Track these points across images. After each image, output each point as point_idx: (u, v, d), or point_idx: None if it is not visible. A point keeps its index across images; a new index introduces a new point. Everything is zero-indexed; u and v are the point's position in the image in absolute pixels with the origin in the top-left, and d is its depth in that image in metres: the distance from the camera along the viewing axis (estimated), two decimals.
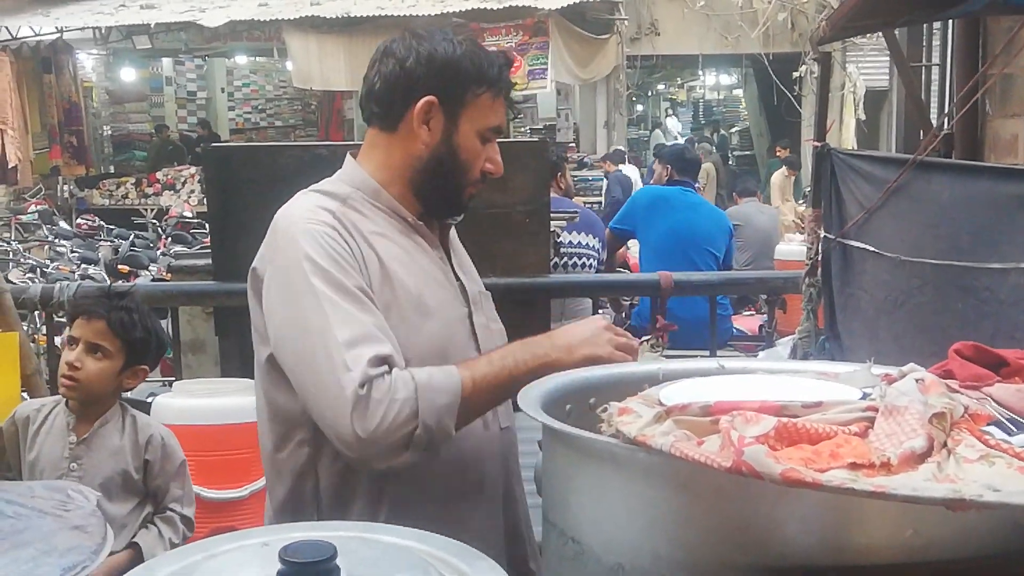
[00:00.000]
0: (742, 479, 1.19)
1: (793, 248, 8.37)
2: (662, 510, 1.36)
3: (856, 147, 12.61)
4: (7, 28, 14.25)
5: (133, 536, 2.85)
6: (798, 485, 1.15)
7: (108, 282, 7.65)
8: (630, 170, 14.09)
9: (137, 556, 2.76)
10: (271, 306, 1.96)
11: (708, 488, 1.30)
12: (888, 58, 14.53)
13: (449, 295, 2.08)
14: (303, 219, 1.96)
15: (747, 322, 7.13)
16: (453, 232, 2.23)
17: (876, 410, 1.32)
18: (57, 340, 4.44)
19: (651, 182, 8.40)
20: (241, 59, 19.69)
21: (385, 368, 1.82)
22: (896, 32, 4.05)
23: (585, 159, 15.38)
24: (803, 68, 14.33)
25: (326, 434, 1.88)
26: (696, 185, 7.10)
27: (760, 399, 1.37)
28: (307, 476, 2.02)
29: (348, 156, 2.14)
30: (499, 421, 2.13)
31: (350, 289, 1.88)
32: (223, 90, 20.59)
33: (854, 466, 1.18)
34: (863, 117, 13.96)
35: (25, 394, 3.62)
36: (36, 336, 6.06)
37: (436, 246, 2.12)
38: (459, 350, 2.03)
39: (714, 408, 1.33)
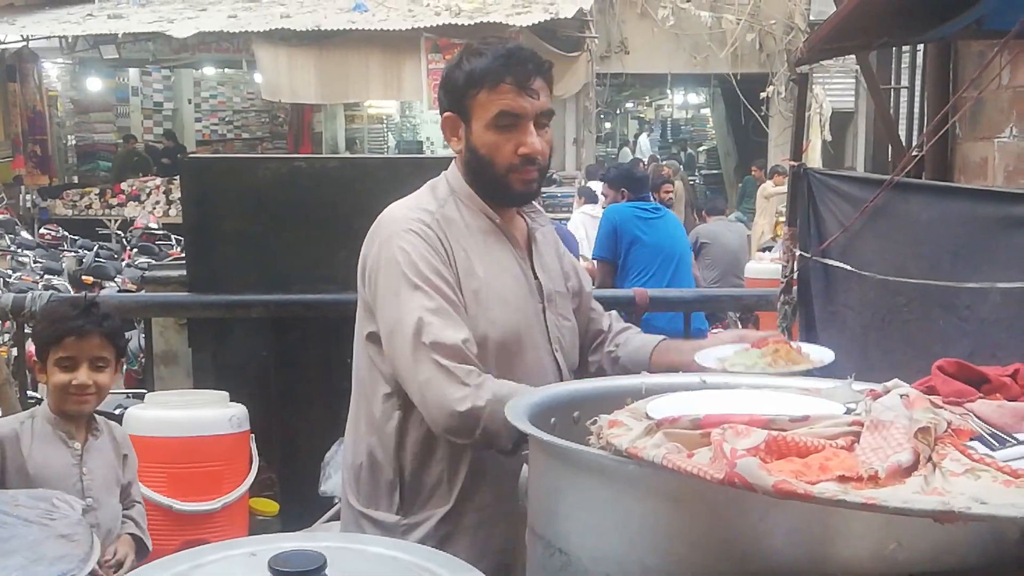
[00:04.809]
0: (729, 491, 1.21)
1: (763, 266, 8.43)
2: (650, 522, 1.37)
3: (822, 167, 12.70)
4: None
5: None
6: (790, 497, 1.16)
7: (72, 292, 7.58)
8: (595, 185, 14.09)
9: (141, 547, 2.96)
10: (377, 295, 2.24)
11: (696, 500, 1.32)
12: (853, 80, 14.74)
13: (525, 290, 2.32)
14: (404, 218, 2.25)
15: None
16: (544, 235, 2.47)
17: (861, 425, 1.34)
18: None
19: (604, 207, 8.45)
20: (209, 70, 19.57)
21: (463, 361, 2.10)
22: None
23: (554, 176, 15.40)
24: (771, 88, 14.47)
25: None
26: (653, 196, 7.24)
27: (747, 413, 1.39)
28: (401, 431, 2.27)
29: (453, 161, 2.40)
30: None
31: (436, 283, 2.17)
32: (190, 101, 20.42)
33: (843, 479, 1.20)
34: (829, 138, 14.11)
35: None
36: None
37: (518, 245, 2.36)
38: (533, 339, 2.30)
39: (703, 421, 1.34)
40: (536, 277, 2.36)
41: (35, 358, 2.96)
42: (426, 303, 2.14)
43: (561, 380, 2.28)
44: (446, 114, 2.31)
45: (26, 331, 4.09)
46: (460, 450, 2.22)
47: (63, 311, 2.91)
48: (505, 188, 2.28)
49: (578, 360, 2.48)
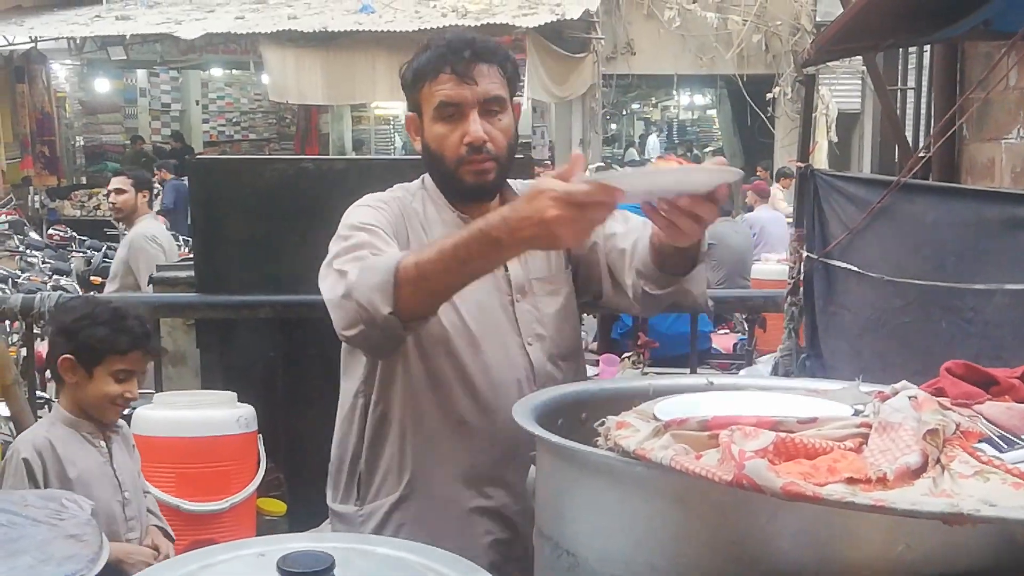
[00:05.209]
0: (738, 493, 1.21)
1: (769, 267, 8.42)
2: (658, 523, 1.37)
3: (828, 169, 12.71)
4: None
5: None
6: (799, 499, 1.16)
7: (80, 293, 7.59)
8: None
9: (167, 536, 3.04)
10: None
11: (704, 502, 1.32)
12: (860, 81, 14.73)
13: (487, 284, 2.17)
14: (371, 197, 2.27)
15: (722, 340, 7.16)
16: None
17: (870, 426, 1.34)
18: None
19: None
20: (216, 71, 19.61)
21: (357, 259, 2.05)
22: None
23: None
24: (777, 90, 14.45)
25: None
26: None
27: (755, 415, 1.39)
28: (362, 420, 2.26)
29: None
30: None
31: (363, 227, 2.13)
32: (197, 102, 20.48)
33: (851, 481, 1.20)
34: (835, 139, 14.11)
35: (2, 405, 3.59)
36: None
37: None
38: (497, 332, 2.20)
39: (711, 423, 1.34)
40: (506, 269, 2.24)
41: (71, 357, 2.84)
42: (344, 243, 2.10)
43: (532, 375, 2.19)
44: (408, 114, 2.28)
45: (35, 331, 4.09)
46: (408, 430, 2.18)
47: (131, 324, 2.87)
48: (458, 183, 2.20)
49: (579, 341, 2.39)
